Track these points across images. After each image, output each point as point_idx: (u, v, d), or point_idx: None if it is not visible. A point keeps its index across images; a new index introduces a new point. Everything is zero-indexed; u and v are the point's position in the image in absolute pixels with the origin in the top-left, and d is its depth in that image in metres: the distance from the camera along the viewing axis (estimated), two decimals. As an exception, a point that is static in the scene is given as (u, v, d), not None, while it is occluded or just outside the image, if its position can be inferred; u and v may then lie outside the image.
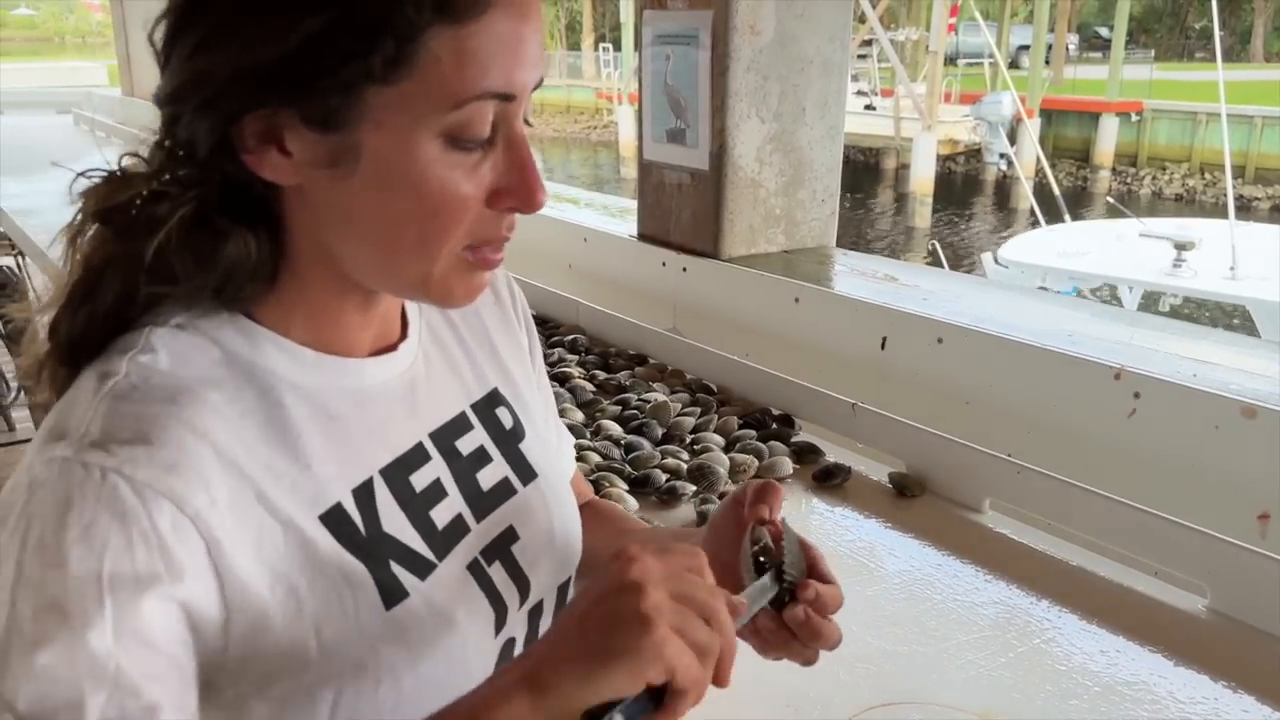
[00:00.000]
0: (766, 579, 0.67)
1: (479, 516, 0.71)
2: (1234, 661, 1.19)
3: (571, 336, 2.37)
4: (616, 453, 1.74)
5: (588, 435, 1.82)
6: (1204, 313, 9.81)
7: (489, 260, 0.63)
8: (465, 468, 0.72)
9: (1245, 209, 17.20)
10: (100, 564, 0.51)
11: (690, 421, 1.85)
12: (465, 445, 0.73)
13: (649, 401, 1.93)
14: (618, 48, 27.54)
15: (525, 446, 0.78)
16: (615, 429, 1.84)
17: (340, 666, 0.59)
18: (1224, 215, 8.85)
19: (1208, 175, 19.45)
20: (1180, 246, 8.43)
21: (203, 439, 0.56)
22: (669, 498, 1.59)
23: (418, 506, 0.67)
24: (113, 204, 0.61)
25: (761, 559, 0.69)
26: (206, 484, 0.55)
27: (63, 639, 0.50)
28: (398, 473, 0.67)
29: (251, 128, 0.57)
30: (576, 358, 2.25)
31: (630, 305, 2.50)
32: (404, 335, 0.72)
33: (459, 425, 0.73)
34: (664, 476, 1.63)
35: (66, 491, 0.52)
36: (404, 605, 0.62)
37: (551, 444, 0.85)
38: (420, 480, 0.68)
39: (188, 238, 0.59)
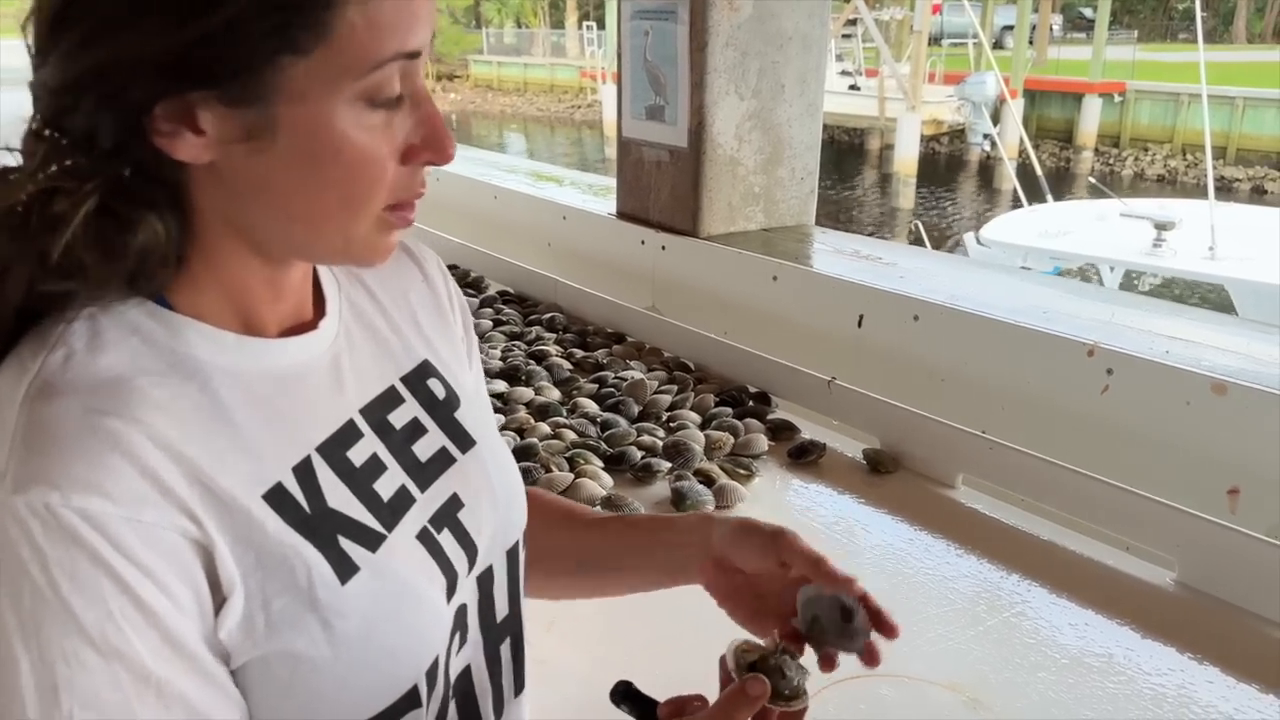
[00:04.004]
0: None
1: (422, 486, 0.71)
2: (1200, 634, 1.20)
3: (549, 314, 2.37)
4: (592, 430, 1.74)
5: (564, 413, 1.82)
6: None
7: (407, 219, 0.64)
8: (399, 441, 0.71)
9: (1226, 190, 17.31)
10: (107, 604, 0.52)
11: (667, 399, 1.85)
12: (397, 419, 0.72)
13: (626, 379, 1.93)
14: (601, 26, 27.40)
15: (461, 415, 0.77)
16: (592, 406, 1.84)
17: (291, 640, 0.59)
18: (1205, 196, 8.88)
19: (1190, 156, 19.49)
20: (1160, 227, 8.46)
21: (135, 427, 0.55)
22: (644, 474, 1.59)
23: (360, 480, 0.66)
24: (4, 205, 0.56)
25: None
26: (154, 479, 0.54)
27: (102, 673, 0.52)
28: (334, 450, 0.66)
29: (164, 111, 0.55)
30: (554, 335, 2.25)
31: (609, 283, 2.49)
32: (322, 313, 0.70)
33: (389, 399, 0.72)
34: (639, 454, 1.63)
35: (31, 543, 0.51)
36: (357, 579, 0.62)
37: (488, 413, 0.85)
38: (358, 456, 0.67)
39: (95, 231, 0.56)
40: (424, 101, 0.61)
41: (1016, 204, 11.91)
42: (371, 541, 0.64)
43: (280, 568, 0.59)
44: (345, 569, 0.62)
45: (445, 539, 0.71)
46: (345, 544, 0.62)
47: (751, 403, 1.85)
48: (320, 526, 0.62)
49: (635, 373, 1.97)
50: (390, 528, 0.66)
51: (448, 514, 0.72)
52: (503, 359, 2.06)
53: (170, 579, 0.54)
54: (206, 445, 0.58)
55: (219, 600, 0.57)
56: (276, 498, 0.60)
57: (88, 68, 0.55)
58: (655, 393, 1.88)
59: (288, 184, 0.59)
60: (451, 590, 0.70)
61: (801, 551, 0.77)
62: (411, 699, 0.66)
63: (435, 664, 0.68)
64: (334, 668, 0.60)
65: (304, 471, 0.63)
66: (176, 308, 0.61)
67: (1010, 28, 24.26)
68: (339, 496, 0.64)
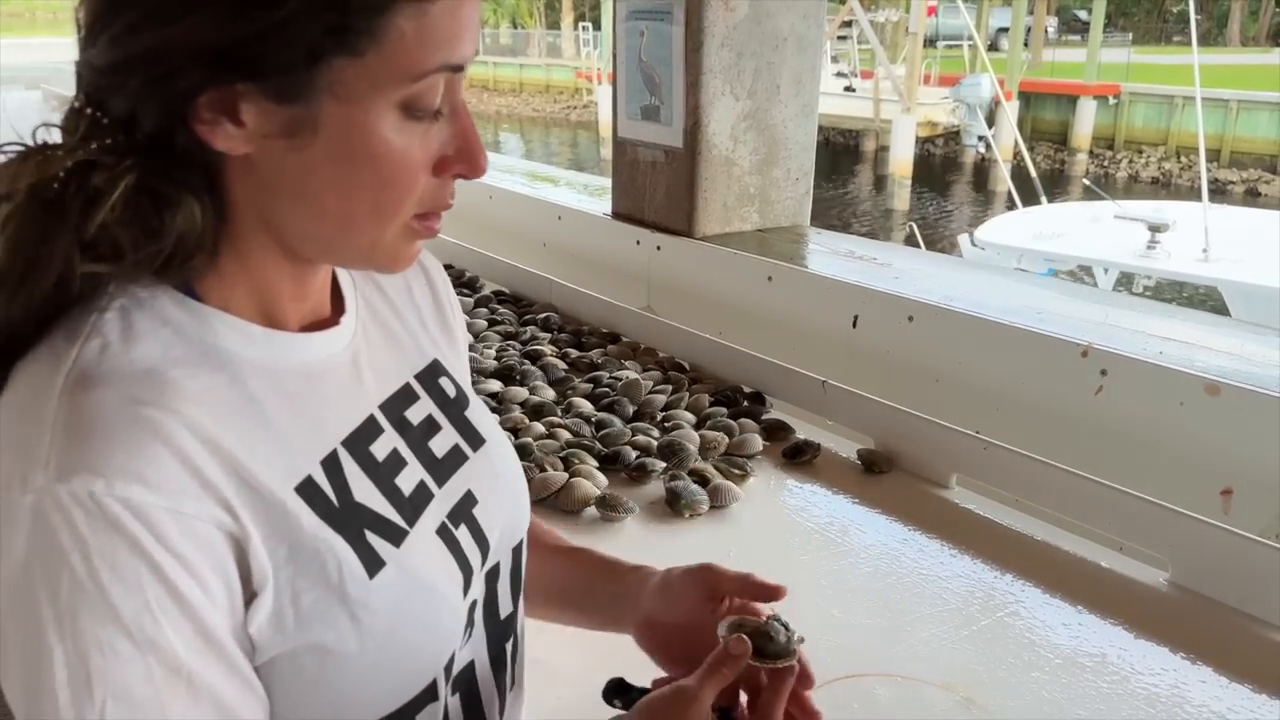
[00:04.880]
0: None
1: (439, 482, 0.72)
2: (1193, 634, 1.21)
3: (544, 314, 2.37)
4: (587, 430, 1.74)
5: (558, 413, 1.82)
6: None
7: (433, 229, 0.65)
8: (417, 437, 0.72)
9: (1220, 192, 17.36)
10: (145, 594, 0.52)
11: (661, 399, 1.85)
12: (414, 415, 0.73)
13: (621, 379, 1.93)
14: (597, 26, 27.37)
15: (470, 414, 0.79)
16: (586, 406, 1.84)
17: (320, 634, 0.59)
18: (1199, 198, 8.90)
19: (1184, 158, 19.52)
20: (1154, 229, 8.48)
21: (174, 417, 0.55)
22: (639, 474, 1.59)
23: (383, 475, 0.67)
24: (39, 178, 0.56)
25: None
26: (194, 471, 0.54)
27: (136, 664, 0.51)
28: (358, 444, 0.66)
29: (208, 100, 0.56)
30: (549, 335, 2.25)
31: (604, 283, 2.49)
32: (340, 310, 0.71)
33: (405, 396, 0.73)
34: (634, 453, 1.63)
35: (72, 531, 0.51)
36: (384, 573, 0.62)
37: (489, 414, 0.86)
38: (380, 450, 0.68)
39: (132, 208, 0.57)
40: (462, 115, 0.62)
41: (1011, 206, 11.93)
42: (395, 536, 0.65)
43: (312, 561, 0.59)
44: (373, 563, 0.62)
45: (462, 535, 0.72)
46: (371, 538, 0.63)
47: (746, 403, 1.85)
48: (348, 520, 0.62)
49: (630, 373, 1.97)
50: (412, 523, 0.67)
51: (464, 510, 0.73)
52: (497, 359, 2.06)
53: (205, 571, 0.54)
54: (241, 437, 0.58)
55: (249, 595, 0.57)
56: (308, 490, 0.61)
57: (139, 51, 0.55)
58: (650, 393, 1.88)
59: (321, 184, 0.59)
60: (467, 585, 0.71)
61: (726, 574, 0.81)
62: (431, 692, 0.67)
63: (452, 658, 0.69)
64: (360, 662, 0.61)
65: (331, 465, 0.63)
66: (204, 299, 0.61)
67: (1005, 30, 24.31)
68: (363, 490, 0.65)
